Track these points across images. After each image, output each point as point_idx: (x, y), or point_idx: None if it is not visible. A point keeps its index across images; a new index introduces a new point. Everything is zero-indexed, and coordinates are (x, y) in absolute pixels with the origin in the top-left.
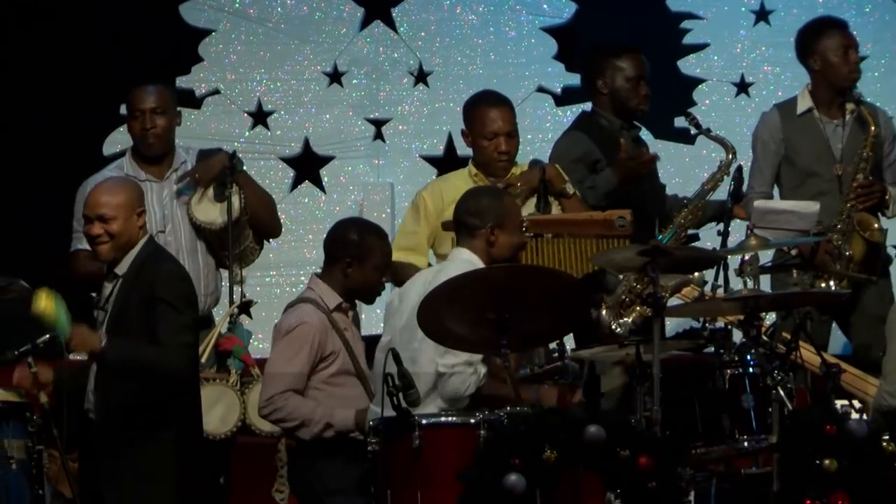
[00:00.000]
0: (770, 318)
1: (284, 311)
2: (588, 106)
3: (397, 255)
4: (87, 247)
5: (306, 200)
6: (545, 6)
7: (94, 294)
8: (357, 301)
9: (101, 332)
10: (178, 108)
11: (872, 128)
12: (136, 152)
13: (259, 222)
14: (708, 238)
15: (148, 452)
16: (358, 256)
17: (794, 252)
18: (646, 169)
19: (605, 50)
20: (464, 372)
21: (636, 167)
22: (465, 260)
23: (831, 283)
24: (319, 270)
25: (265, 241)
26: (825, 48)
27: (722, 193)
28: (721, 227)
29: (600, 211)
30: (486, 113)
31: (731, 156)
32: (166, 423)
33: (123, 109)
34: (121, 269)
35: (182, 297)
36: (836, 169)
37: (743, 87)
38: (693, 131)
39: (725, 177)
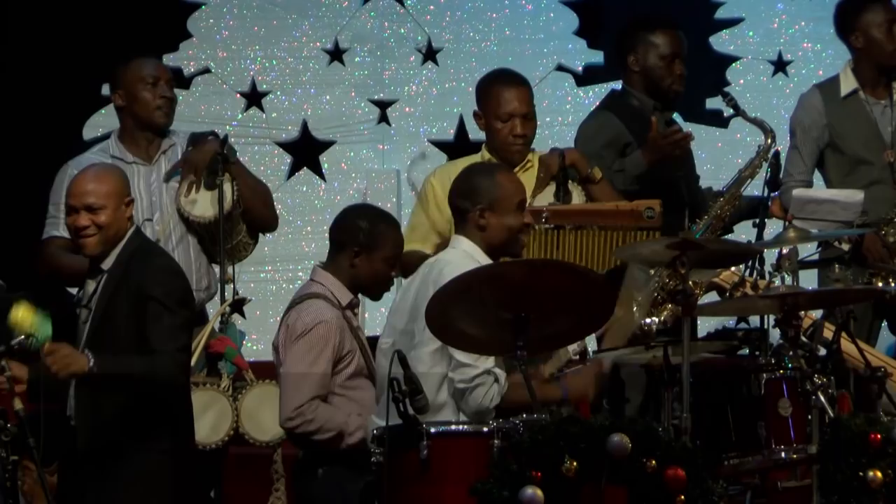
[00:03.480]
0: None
1: (292, 308)
2: (614, 85)
3: (408, 249)
4: (62, 233)
5: (304, 189)
6: None
7: (71, 288)
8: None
9: (84, 335)
10: None
11: None
12: (124, 133)
13: (254, 215)
14: (743, 230)
15: (140, 464)
16: (366, 245)
17: (845, 246)
18: (678, 149)
19: (639, 24)
20: (485, 383)
21: (668, 147)
22: (463, 251)
23: (891, 281)
24: (319, 264)
25: (261, 235)
26: (867, 24)
27: (759, 181)
28: (757, 218)
29: (628, 199)
30: (501, 92)
31: (770, 140)
32: (159, 431)
33: (105, 90)
34: (106, 264)
35: (175, 295)
36: (887, 155)
37: (781, 65)
38: (728, 113)
39: (764, 163)
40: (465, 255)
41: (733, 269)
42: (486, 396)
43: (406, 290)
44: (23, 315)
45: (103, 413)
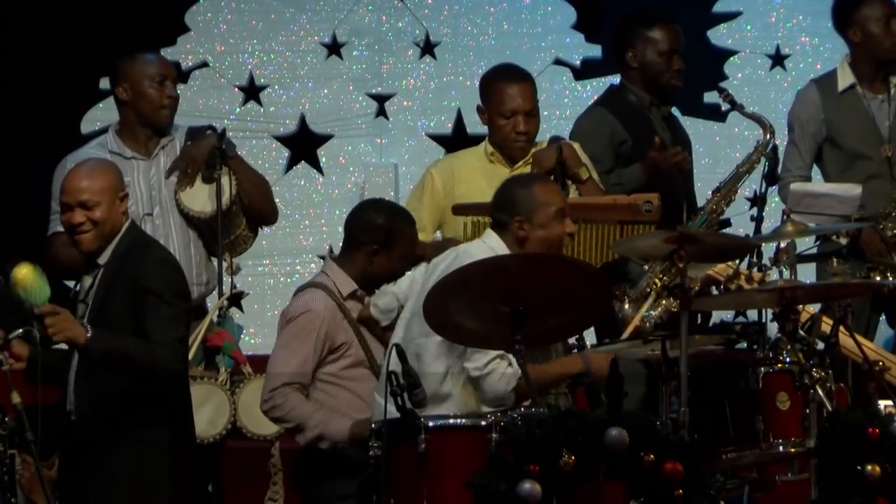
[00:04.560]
0: None
1: (293, 296)
2: (612, 79)
3: None
4: None
5: (302, 183)
6: None
7: (72, 282)
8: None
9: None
10: None
11: None
12: (123, 128)
13: (254, 208)
14: (741, 224)
15: (140, 455)
16: (385, 243)
17: (843, 240)
18: (678, 170)
19: (637, 19)
20: (497, 369)
21: (668, 168)
22: (489, 247)
23: (889, 276)
24: (316, 259)
25: (259, 228)
26: (865, 18)
27: (757, 175)
28: (755, 212)
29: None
30: (505, 89)
31: (768, 135)
32: (158, 423)
33: (103, 84)
34: (102, 258)
35: (171, 286)
36: (884, 150)
37: (778, 59)
38: (725, 107)
39: (762, 158)
40: (489, 251)
41: (727, 263)
42: (501, 381)
43: (432, 273)
44: (24, 274)
45: (103, 405)
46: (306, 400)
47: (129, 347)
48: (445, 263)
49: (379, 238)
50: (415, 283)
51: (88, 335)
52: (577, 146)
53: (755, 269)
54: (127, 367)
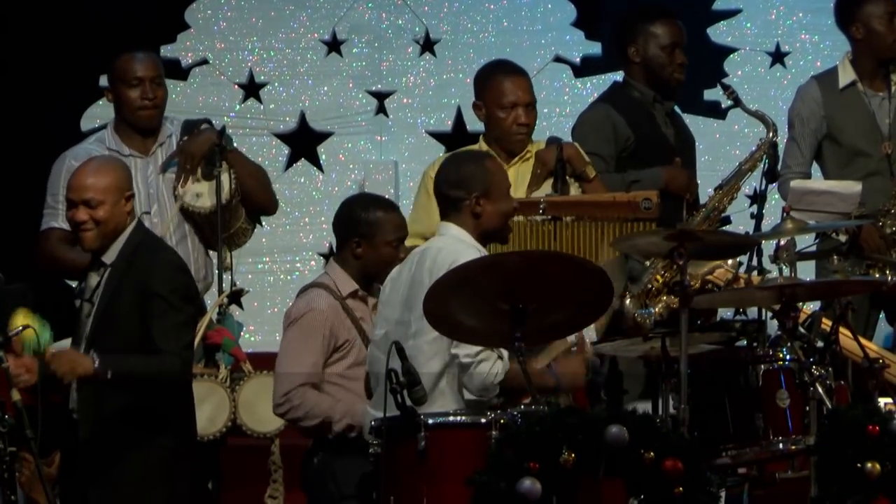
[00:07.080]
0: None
1: (297, 297)
2: (612, 76)
3: (413, 242)
4: (62, 225)
5: (302, 180)
6: None
7: (70, 282)
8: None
9: (86, 330)
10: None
11: None
12: (120, 125)
13: (253, 199)
14: (741, 221)
15: (143, 457)
16: (365, 234)
17: (842, 238)
18: (691, 196)
19: (638, 15)
20: (489, 358)
21: (685, 190)
22: (453, 236)
23: (887, 272)
24: (316, 256)
25: (258, 224)
26: (868, 15)
27: (757, 173)
28: (755, 209)
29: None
30: (503, 82)
31: (771, 133)
32: (161, 425)
33: (103, 81)
34: (108, 257)
35: (179, 291)
36: (884, 147)
37: (778, 56)
38: (727, 104)
39: (765, 156)
40: (457, 240)
41: (726, 266)
42: (491, 372)
43: (396, 280)
44: (21, 322)
45: (106, 407)
46: (322, 395)
47: (136, 367)
48: (413, 265)
49: (358, 230)
50: (383, 295)
51: (95, 365)
52: (577, 146)
53: (755, 272)
54: (132, 384)
